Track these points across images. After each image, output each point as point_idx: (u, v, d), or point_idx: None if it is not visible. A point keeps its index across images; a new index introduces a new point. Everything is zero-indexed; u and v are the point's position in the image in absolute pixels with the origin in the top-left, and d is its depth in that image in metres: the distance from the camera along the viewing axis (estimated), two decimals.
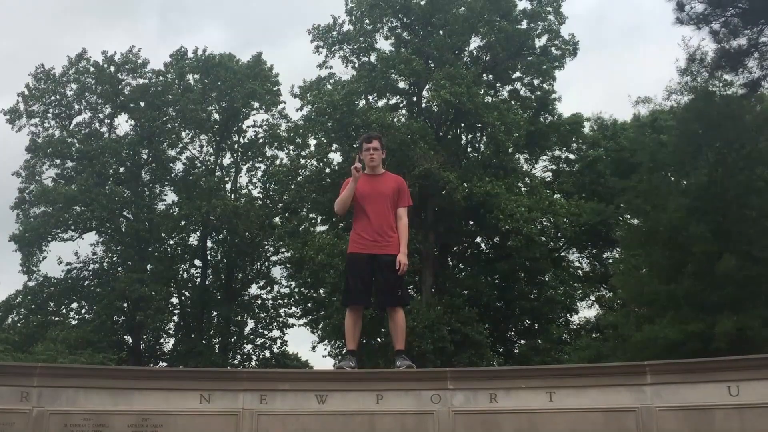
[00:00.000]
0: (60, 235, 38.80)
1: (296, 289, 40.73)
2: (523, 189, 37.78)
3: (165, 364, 40.59)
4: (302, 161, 38.63)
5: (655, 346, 19.98)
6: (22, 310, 39.17)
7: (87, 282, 40.10)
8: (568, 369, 8.83)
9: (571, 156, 42.52)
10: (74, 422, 6.94)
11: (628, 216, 31.47)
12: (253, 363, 41.58)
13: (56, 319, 39.01)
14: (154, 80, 40.49)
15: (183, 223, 39.69)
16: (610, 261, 39.14)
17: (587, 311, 42.30)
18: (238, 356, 41.66)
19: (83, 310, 39.80)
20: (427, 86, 37.33)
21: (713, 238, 20.82)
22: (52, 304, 39.60)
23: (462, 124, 38.35)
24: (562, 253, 41.67)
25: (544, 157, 42.56)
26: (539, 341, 37.49)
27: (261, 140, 42.24)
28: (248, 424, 7.25)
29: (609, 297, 37.82)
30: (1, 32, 75.71)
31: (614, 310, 32.40)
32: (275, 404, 7.37)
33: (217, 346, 40.43)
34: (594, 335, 35.33)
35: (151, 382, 7.40)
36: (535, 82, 40.33)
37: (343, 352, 8.64)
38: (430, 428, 7.23)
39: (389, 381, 7.74)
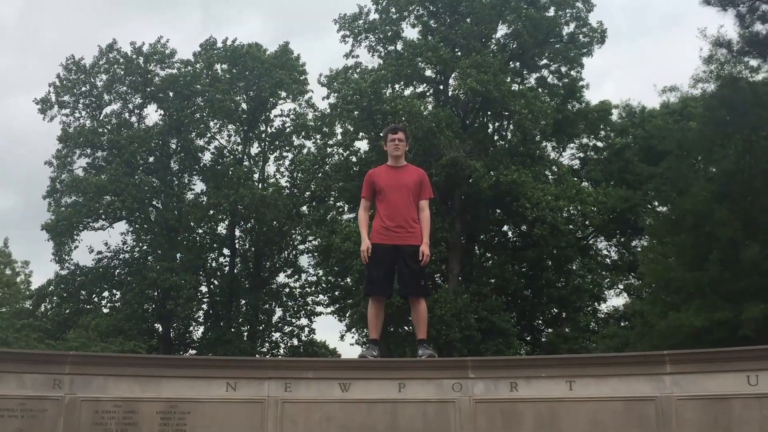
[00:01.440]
0: (91, 224, 39.34)
1: (323, 278, 41.01)
2: (550, 177, 37.67)
3: (194, 351, 41.08)
4: (329, 150, 38.76)
5: (681, 334, 19.96)
6: (55, 298, 39.79)
7: (117, 271, 40.60)
8: (588, 358, 8.90)
9: (599, 144, 42.32)
10: (105, 409, 7.15)
11: (656, 203, 31.27)
12: (281, 351, 41.98)
13: (88, 307, 39.57)
14: (182, 70, 40.79)
15: (211, 212, 39.95)
16: (638, 249, 38.88)
17: (615, 300, 42.16)
18: (267, 344, 42.01)
19: (114, 299, 40.34)
20: (454, 74, 37.32)
21: (739, 225, 20.72)
22: (83, 293, 40.22)
23: (488, 112, 38.33)
24: (590, 241, 41.51)
25: (572, 145, 42.41)
26: (567, 329, 37.46)
27: (288, 129, 42.45)
28: (273, 411, 7.41)
29: (637, 285, 37.62)
30: (44, 25, 77.16)
31: (642, 298, 32.24)
32: (299, 392, 7.52)
33: (245, 334, 40.79)
34: (622, 324, 35.22)
35: (179, 371, 7.59)
36: (563, 69, 40.22)
37: (367, 341, 8.75)
38: (451, 416, 7.35)
39: (411, 370, 7.87)
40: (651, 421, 7.04)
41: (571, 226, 36.48)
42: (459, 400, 7.38)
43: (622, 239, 41.65)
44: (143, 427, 7.18)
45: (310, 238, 41.16)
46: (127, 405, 7.19)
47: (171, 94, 40.41)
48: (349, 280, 38.05)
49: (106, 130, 39.71)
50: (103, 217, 39.76)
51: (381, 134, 35.12)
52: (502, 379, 7.49)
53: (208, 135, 41.80)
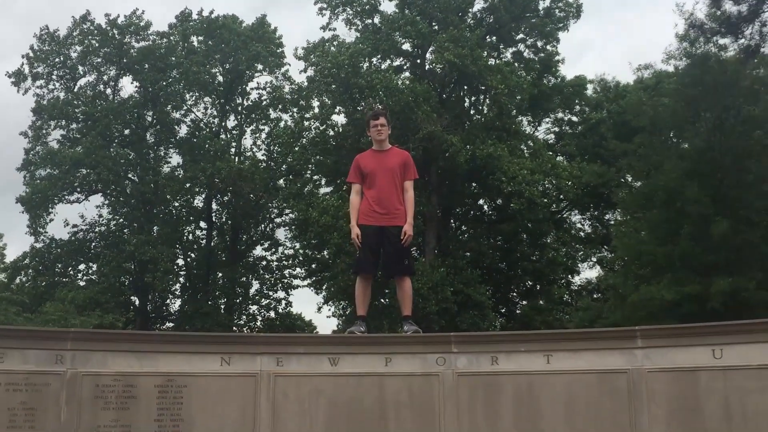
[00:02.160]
0: (66, 197, 39.25)
1: (300, 251, 41.38)
2: (525, 152, 38.23)
3: (172, 324, 41.36)
4: (306, 123, 38.94)
5: (652, 307, 20.67)
6: (30, 271, 39.81)
7: (93, 244, 40.63)
8: (564, 333, 9.40)
9: (574, 118, 42.94)
10: (105, 383, 7.52)
11: (629, 178, 31.91)
12: (258, 323, 42.36)
13: (65, 280, 39.68)
14: (158, 42, 40.65)
15: (188, 185, 40.01)
16: (612, 223, 39.67)
17: (589, 272, 42.98)
18: (244, 317, 42.34)
19: (91, 272, 40.41)
20: (431, 48, 37.63)
21: (709, 201, 21.40)
22: (59, 266, 40.22)
23: (465, 87, 38.73)
24: (564, 215, 42.21)
25: (547, 120, 43.01)
26: (541, 302, 38.23)
27: (265, 102, 42.53)
28: (266, 384, 7.82)
29: (610, 258, 38.42)
30: None
31: (614, 271, 33.03)
32: (291, 366, 7.93)
33: (222, 307, 41.09)
34: (595, 296, 35.99)
35: (175, 346, 7.97)
36: (539, 44, 40.72)
37: (355, 317, 9.19)
38: (435, 389, 7.80)
39: (397, 345, 8.30)
40: (623, 393, 7.53)
41: (546, 200, 37.12)
42: (443, 374, 7.83)
43: (596, 213, 42.36)
44: (142, 400, 7.56)
45: (287, 211, 41.46)
46: (126, 379, 7.56)
47: (146, 66, 40.25)
48: (326, 253, 38.40)
49: (80, 102, 39.49)
50: (78, 190, 39.65)
51: (360, 110, 35.46)
52: (483, 354, 7.94)
53: (184, 108, 41.78)
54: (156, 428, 7.55)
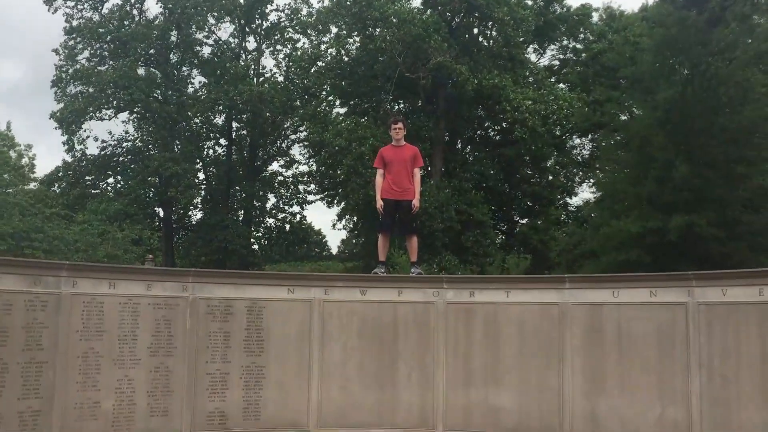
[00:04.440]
0: (96, 114, 42.77)
1: (314, 168, 45.43)
2: (530, 80, 41.83)
3: (193, 234, 45.74)
4: (322, 47, 42.46)
5: (620, 237, 25.09)
6: (63, 184, 43.90)
7: (121, 159, 44.64)
8: (518, 278, 13.78)
9: (579, 46, 46.18)
10: (213, 304, 11.81)
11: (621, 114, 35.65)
12: (275, 235, 46.86)
13: (95, 191, 43.85)
14: None
15: (211, 105, 43.64)
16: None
17: (586, 193, 47.00)
18: (261, 230, 46.72)
19: (119, 186, 44.44)
20: None
21: (673, 148, 25.52)
22: (89, 179, 44.36)
23: (475, 14, 41.92)
24: (565, 138, 45.89)
25: (552, 47, 46.33)
26: (539, 222, 42.47)
27: (283, 24, 45.90)
28: (317, 307, 12.09)
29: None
30: None
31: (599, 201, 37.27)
32: (334, 295, 12.18)
33: (241, 220, 45.42)
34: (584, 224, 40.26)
35: (258, 280, 12.25)
36: None
37: (377, 261, 13.44)
38: (431, 312, 12.07)
39: (406, 282, 12.58)
40: (555, 318, 11.79)
41: (546, 128, 40.81)
42: (437, 302, 12.08)
43: (596, 135, 46.03)
44: (237, 316, 11.86)
45: (301, 129, 45.31)
46: (227, 302, 11.86)
47: None
48: (339, 171, 42.38)
49: (112, 26, 42.57)
50: (106, 107, 43.30)
51: (375, 35, 38.26)
52: (464, 290, 12.17)
53: (206, 29, 45.17)
54: (245, 335, 11.92)
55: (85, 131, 42.76)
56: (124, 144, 44.63)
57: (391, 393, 11.72)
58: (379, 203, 13.05)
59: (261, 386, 11.65)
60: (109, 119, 43.50)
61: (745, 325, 10.74)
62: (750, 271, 11.85)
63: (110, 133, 44.34)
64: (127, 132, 44.70)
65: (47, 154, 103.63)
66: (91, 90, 41.39)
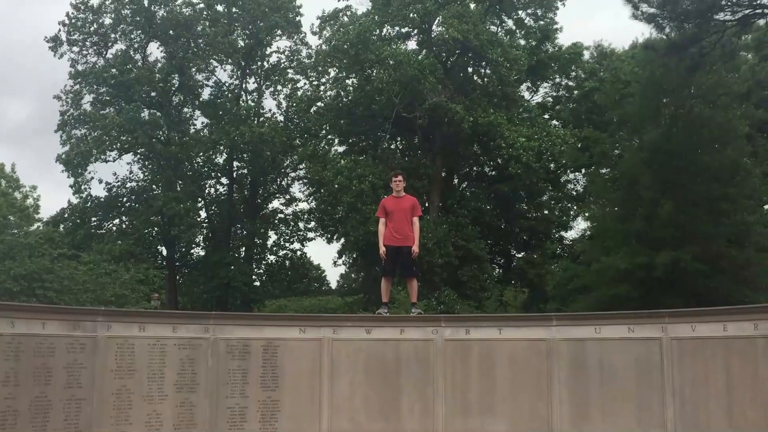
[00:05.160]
0: (102, 157, 43.85)
1: (314, 205, 46.78)
2: (525, 116, 43.35)
3: (196, 272, 47.01)
4: (322, 88, 44.07)
5: (610, 273, 26.54)
6: (69, 224, 45.13)
7: (125, 199, 45.92)
8: (509, 316, 15.15)
9: (571, 83, 47.77)
10: (232, 344, 13.11)
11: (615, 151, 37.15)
12: (276, 271, 48.15)
13: (100, 232, 45.11)
14: (182, 10, 45.29)
15: (212, 146, 45.11)
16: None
17: (582, 225, 48.30)
18: (263, 266, 48.01)
19: (124, 226, 45.57)
20: (438, 20, 42.30)
21: (659, 187, 27.03)
22: (95, 220, 45.63)
23: (469, 54, 43.45)
24: (559, 174, 47.34)
25: (546, 84, 47.96)
26: (534, 256, 43.82)
27: (283, 65, 47.53)
28: (327, 345, 13.39)
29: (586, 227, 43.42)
30: None
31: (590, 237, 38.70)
32: (342, 334, 13.49)
33: (242, 258, 46.68)
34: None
35: (273, 321, 13.62)
36: (539, 12, 45.74)
37: (380, 303, 14.75)
38: (431, 349, 13.37)
39: (407, 321, 13.93)
40: (543, 353, 13.09)
41: (540, 164, 42.15)
42: (435, 339, 13.40)
43: (590, 170, 47.41)
44: (253, 354, 13.17)
45: (301, 167, 46.74)
46: (245, 342, 13.17)
47: (171, 32, 44.92)
48: (339, 208, 43.61)
49: (116, 72, 44.01)
50: (110, 149, 44.48)
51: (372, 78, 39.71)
52: (460, 327, 13.51)
53: (207, 71, 46.72)
54: (262, 371, 13.23)
55: (89, 173, 44.01)
56: (128, 184, 45.87)
57: (396, 423, 12.97)
58: (382, 250, 14.40)
59: (276, 419, 12.94)
60: (114, 161, 44.74)
61: (712, 357, 12.13)
62: (715, 309, 13.25)
63: (114, 174, 45.35)
64: (131, 172, 46.01)
65: (52, 192, 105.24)
66: (95, 133, 42.60)
